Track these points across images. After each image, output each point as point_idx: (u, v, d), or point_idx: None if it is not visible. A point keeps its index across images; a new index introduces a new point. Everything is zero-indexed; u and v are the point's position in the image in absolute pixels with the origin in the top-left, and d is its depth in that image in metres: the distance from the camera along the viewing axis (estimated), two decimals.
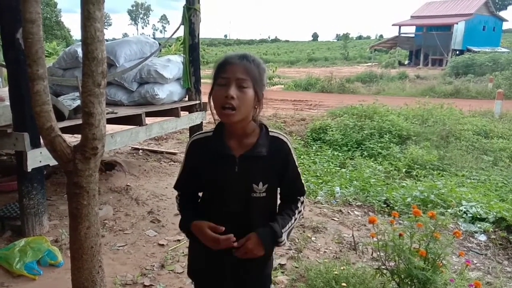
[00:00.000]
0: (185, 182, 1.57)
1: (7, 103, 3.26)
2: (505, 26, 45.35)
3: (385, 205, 4.54)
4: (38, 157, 3.22)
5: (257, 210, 1.47)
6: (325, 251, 3.41)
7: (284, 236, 1.47)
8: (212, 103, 1.42)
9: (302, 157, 7.08)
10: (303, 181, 1.55)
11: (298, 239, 3.54)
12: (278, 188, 1.54)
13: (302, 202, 1.56)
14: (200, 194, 1.60)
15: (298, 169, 1.53)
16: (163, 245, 3.38)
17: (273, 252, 1.64)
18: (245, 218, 1.47)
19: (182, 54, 5.71)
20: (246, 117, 1.40)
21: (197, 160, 1.49)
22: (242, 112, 1.36)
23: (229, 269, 1.52)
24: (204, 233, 1.42)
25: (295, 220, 1.52)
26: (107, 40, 1.74)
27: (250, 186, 1.43)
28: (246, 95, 1.35)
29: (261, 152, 1.42)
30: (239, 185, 1.43)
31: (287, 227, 1.48)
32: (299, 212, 1.54)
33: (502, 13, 43.38)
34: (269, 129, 1.48)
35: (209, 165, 1.45)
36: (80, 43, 1.64)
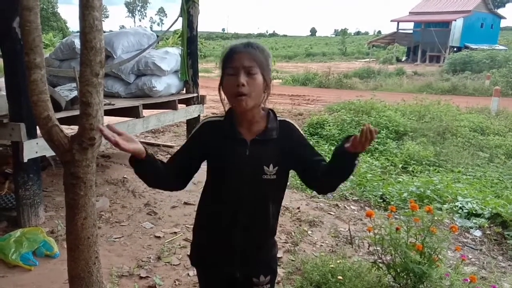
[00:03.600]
0: (180, 158, 1.54)
1: (3, 93, 3.23)
2: (503, 23, 45.40)
3: (382, 200, 4.56)
4: (35, 148, 3.20)
5: (267, 192, 1.49)
6: (321, 245, 3.42)
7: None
8: (222, 94, 1.46)
9: None
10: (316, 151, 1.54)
11: (294, 233, 3.55)
12: (290, 172, 1.55)
13: None
14: (180, 178, 1.57)
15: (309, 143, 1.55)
16: (159, 237, 3.38)
17: (276, 235, 1.64)
18: (256, 201, 1.48)
19: (180, 47, 5.68)
20: (257, 103, 1.43)
21: (207, 140, 1.49)
22: (254, 97, 1.39)
23: (238, 252, 1.52)
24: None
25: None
26: (104, 32, 1.71)
27: (261, 168, 1.45)
28: (256, 81, 1.39)
29: (272, 135, 1.46)
30: (250, 167, 1.44)
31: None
32: None
33: (500, 11, 43.49)
34: (277, 114, 1.52)
35: (220, 148, 1.47)
36: (77, 34, 1.63)
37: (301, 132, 1.53)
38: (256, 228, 1.52)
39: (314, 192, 4.70)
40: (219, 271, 1.58)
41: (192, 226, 3.76)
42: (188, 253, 3.13)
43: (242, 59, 1.38)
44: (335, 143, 7.62)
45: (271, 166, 1.45)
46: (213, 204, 1.54)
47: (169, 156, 6.30)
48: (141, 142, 5.19)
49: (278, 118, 1.51)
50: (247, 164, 1.44)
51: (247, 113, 1.44)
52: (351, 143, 1.29)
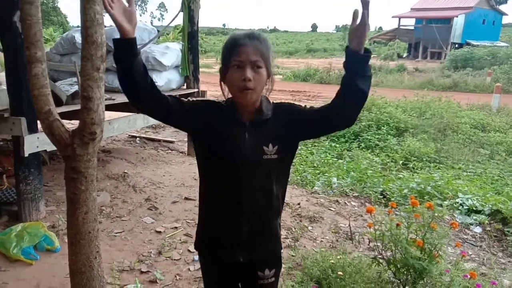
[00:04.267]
0: (174, 100, 1.47)
1: (4, 87, 3.23)
2: (505, 20, 45.18)
3: (382, 196, 4.56)
4: (35, 142, 3.20)
5: (269, 172, 1.49)
6: (321, 241, 3.43)
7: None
8: (225, 86, 1.47)
9: (299, 148, 7.07)
10: None
11: (294, 228, 3.55)
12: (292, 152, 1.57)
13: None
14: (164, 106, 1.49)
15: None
16: (160, 232, 3.39)
17: (280, 227, 1.64)
18: (258, 181, 1.49)
19: (180, 42, 5.67)
20: (260, 95, 1.47)
21: (208, 119, 1.48)
22: (258, 91, 1.42)
23: (243, 234, 1.52)
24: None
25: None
26: (105, 27, 1.71)
27: (261, 149, 1.46)
28: (260, 76, 1.41)
29: (268, 115, 1.48)
30: (250, 149, 1.45)
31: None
32: None
33: (502, 7, 43.22)
34: (272, 102, 1.55)
35: (221, 132, 1.47)
36: (78, 28, 1.62)
37: (298, 107, 1.54)
38: (260, 209, 1.52)
39: (315, 188, 4.75)
40: (223, 257, 1.57)
41: (192, 221, 3.77)
42: (189, 248, 3.16)
43: (249, 53, 1.38)
44: (336, 139, 7.64)
45: (270, 145, 1.46)
46: (216, 189, 1.53)
47: (170, 151, 6.29)
48: (142, 137, 5.18)
49: (273, 102, 1.54)
50: (246, 146, 1.45)
51: (249, 104, 1.46)
52: (351, 32, 1.40)
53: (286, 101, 1.58)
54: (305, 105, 1.55)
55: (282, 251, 1.69)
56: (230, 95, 1.49)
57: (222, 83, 1.49)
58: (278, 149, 1.47)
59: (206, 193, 1.57)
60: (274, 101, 1.55)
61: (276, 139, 1.47)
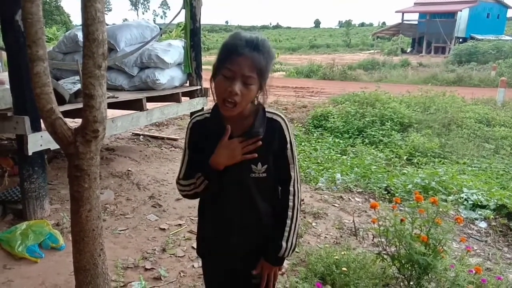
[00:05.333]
0: (192, 171, 1.48)
1: (7, 86, 3.24)
2: (510, 13, 44.78)
3: (386, 192, 4.54)
4: (39, 141, 3.21)
5: (257, 190, 1.46)
6: (325, 237, 3.42)
7: (290, 244, 1.49)
8: (213, 89, 1.37)
9: (303, 144, 7.07)
10: (295, 165, 1.48)
11: (299, 225, 3.54)
12: None
13: (294, 195, 1.49)
14: None
15: (294, 151, 1.47)
16: (164, 229, 3.40)
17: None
18: (245, 199, 1.46)
19: (183, 39, 5.66)
20: (245, 107, 1.38)
21: (198, 141, 1.46)
22: (242, 106, 1.34)
23: (236, 249, 1.52)
24: (225, 145, 1.39)
25: (292, 221, 1.49)
26: (107, 25, 1.71)
27: (249, 167, 1.42)
28: (249, 92, 1.32)
29: (259, 133, 1.39)
30: (236, 166, 1.40)
31: (287, 235, 1.48)
32: (293, 208, 1.49)
33: (506, 0, 42.79)
34: (266, 110, 1.44)
35: (207, 147, 1.42)
36: (80, 27, 1.61)
37: (288, 133, 1.45)
38: (249, 227, 1.50)
39: (319, 184, 4.74)
40: (221, 263, 1.58)
41: (196, 218, 3.77)
42: (193, 245, 3.16)
43: (243, 66, 1.28)
44: (339, 135, 7.63)
45: (259, 164, 1.41)
46: (208, 203, 1.54)
47: (173, 149, 6.31)
48: (145, 135, 5.20)
49: (268, 115, 1.43)
50: (234, 163, 1.40)
51: (233, 117, 1.38)
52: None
53: (280, 115, 1.46)
54: (290, 142, 1.45)
55: None
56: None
57: (212, 83, 1.39)
58: (267, 168, 1.43)
59: (201, 204, 1.59)
60: (268, 110, 1.44)
61: (265, 158, 1.41)
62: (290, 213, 1.48)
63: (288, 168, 1.47)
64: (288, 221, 1.48)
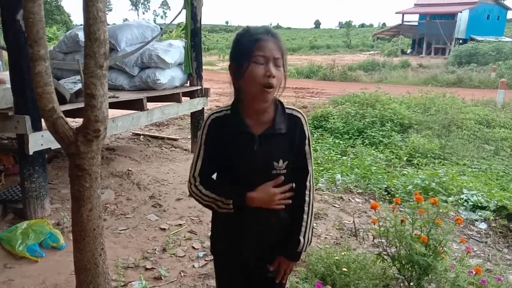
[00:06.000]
0: (209, 167, 1.48)
1: (8, 85, 3.24)
2: (510, 15, 44.83)
3: (386, 193, 4.54)
4: (40, 140, 3.21)
5: (276, 187, 1.45)
6: (325, 237, 3.42)
7: (307, 239, 1.52)
8: (242, 84, 1.37)
9: None
10: (311, 161, 1.51)
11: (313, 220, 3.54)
12: None
13: (310, 190, 1.52)
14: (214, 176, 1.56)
15: (311, 147, 1.51)
16: (164, 229, 3.40)
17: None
18: None
19: (183, 39, 5.66)
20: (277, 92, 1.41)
21: (217, 138, 1.44)
22: (277, 90, 1.38)
23: (252, 247, 1.52)
24: (264, 191, 1.42)
25: (308, 216, 1.52)
26: (108, 25, 1.71)
27: (271, 164, 1.42)
28: (281, 74, 1.36)
29: (281, 130, 1.42)
30: (259, 163, 1.41)
31: (304, 230, 1.51)
32: (309, 203, 1.52)
33: (507, 2, 42.91)
34: (285, 106, 1.47)
35: (228, 144, 1.42)
36: (81, 27, 1.62)
37: (307, 128, 1.49)
38: (268, 223, 1.50)
39: (319, 184, 4.74)
40: (236, 258, 1.57)
41: (196, 218, 3.78)
42: (193, 245, 3.17)
43: (273, 50, 1.33)
44: (340, 136, 7.62)
45: (280, 161, 1.42)
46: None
47: (174, 149, 6.30)
48: (146, 135, 5.18)
49: (288, 111, 1.46)
50: (256, 159, 1.41)
51: (263, 104, 1.39)
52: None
53: (299, 111, 1.49)
54: (308, 137, 1.49)
55: None
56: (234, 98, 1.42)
57: (235, 82, 1.40)
58: (287, 165, 1.44)
59: None
60: (287, 106, 1.47)
61: (286, 155, 1.43)
62: (306, 208, 1.51)
63: (306, 164, 1.50)
64: (305, 216, 1.51)
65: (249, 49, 1.33)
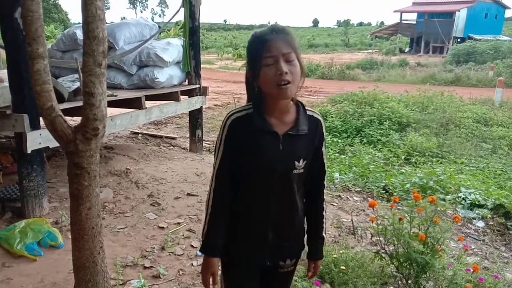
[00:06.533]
0: (227, 170, 1.48)
1: (6, 84, 3.23)
2: (508, 13, 44.95)
3: (384, 191, 4.56)
4: (38, 139, 3.21)
5: (296, 186, 1.49)
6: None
7: (326, 235, 1.67)
8: (261, 84, 1.38)
9: None
10: (326, 162, 1.60)
11: None
12: None
13: (325, 189, 1.64)
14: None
15: (325, 153, 1.59)
16: (163, 227, 3.40)
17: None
18: (286, 195, 1.49)
19: (182, 38, 5.66)
20: (297, 89, 1.40)
21: (238, 138, 1.43)
22: (296, 85, 1.37)
23: (270, 245, 1.53)
24: (206, 274, 1.54)
25: (326, 213, 1.65)
26: (106, 23, 1.71)
27: (293, 163, 1.44)
28: (295, 68, 1.36)
29: (304, 130, 1.44)
30: (282, 162, 1.43)
31: (325, 227, 1.65)
32: (325, 201, 1.65)
33: (505, 1, 42.87)
34: (306, 108, 1.49)
35: (252, 143, 1.42)
36: (79, 25, 1.62)
37: (324, 130, 1.53)
38: (286, 222, 1.52)
39: None
40: (253, 259, 1.57)
41: (195, 216, 3.77)
42: (192, 243, 3.17)
43: (280, 47, 1.33)
44: (338, 135, 7.64)
45: (301, 160, 1.45)
46: (247, 196, 1.50)
47: (172, 147, 6.29)
48: (144, 134, 5.18)
49: (308, 113, 1.48)
50: (280, 158, 1.42)
51: (284, 102, 1.41)
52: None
53: (318, 113, 1.53)
54: (325, 139, 1.56)
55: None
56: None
57: (249, 87, 1.44)
58: (305, 164, 1.47)
59: (238, 198, 1.52)
60: (307, 108, 1.50)
61: (306, 155, 1.46)
62: (324, 206, 1.63)
63: (323, 163, 1.57)
64: (324, 214, 1.63)
65: (258, 53, 1.35)
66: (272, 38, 1.34)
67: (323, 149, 1.55)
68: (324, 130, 1.53)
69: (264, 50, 1.34)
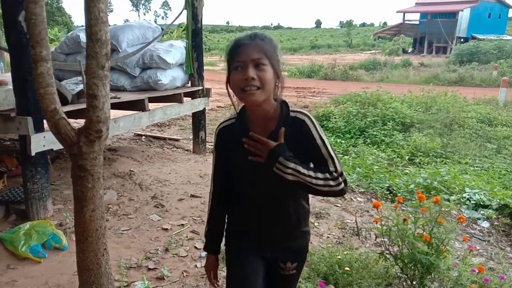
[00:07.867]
0: (220, 175, 1.57)
1: (10, 87, 3.24)
2: (511, 13, 44.72)
3: (388, 192, 4.54)
4: (42, 141, 3.22)
5: (284, 190, 1.45)
6: (328, 237, 3.42)
7: (290, 165, 1.34)
8: (230, 91, 1.39)
9: None
10: (327, 149, 1.39)
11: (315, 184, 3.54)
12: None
13: (333, 178, 1.36)
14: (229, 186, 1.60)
15: (327, 146, 1.40)
16: (167, 229, 3.40)
17: (307, 226, 1.61)
18: (274, 199, 1.49)
19: (184, 40, 5.67)
20: (269, 97, 1.37)
21: (225, 147, 1.50)
22: (266, 90, 1.32)
23: (267, 242, 1.56)
24: (206, 271, 1.70)
25: (310, 176, 1.35)
26: (109, 25, 1.72)
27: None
28: (266, 73, 1.32)
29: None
30: (264, 167, 1.40)
31: (299, 167, 1.34)
32: (320, 178, 1.36)
33: (508, 0, 42.68)
34: (291, 109, 1.42)
35: (235, 151, 1.45)
36: (83, 28, 1.62)
37: (314, 127, 1.40)
38: (279, 224, 1.52)
39: None
40: (250, 249, 1.58)
41: (199, 218, 3.77)
42: (196, 245, 3.17)
43: (250, 52, 1.31)
44: (341, 136, 7.63)
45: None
46: (238, 202, 1.57)
47: (175, 149, 6.29)
48: (147, 136, 5.18)
49: (292, 114, 1.41)
50: (262, 165, 1.39)
51: (259, 109, 1.38)
52: None
53: (304, 113, 1.42)
54: (320, 137, 1.40)
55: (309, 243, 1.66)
56: (240, 103, 1.43)
57: (229, 89, 1.40)
58: None
59: (234, 197, 1.59)
60: (292, 109, 1.42)
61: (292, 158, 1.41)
62: (315, 173, 1.35)
63: (322, 154, 1.39)
64: (309, 171, 1.35)
65: (230, 57, 1.36)
66: (245, 43, 1.34)
67: (318, 142, 1.38)
68: (313, 130, 1.39)
69: (236, 55, 1.34)
